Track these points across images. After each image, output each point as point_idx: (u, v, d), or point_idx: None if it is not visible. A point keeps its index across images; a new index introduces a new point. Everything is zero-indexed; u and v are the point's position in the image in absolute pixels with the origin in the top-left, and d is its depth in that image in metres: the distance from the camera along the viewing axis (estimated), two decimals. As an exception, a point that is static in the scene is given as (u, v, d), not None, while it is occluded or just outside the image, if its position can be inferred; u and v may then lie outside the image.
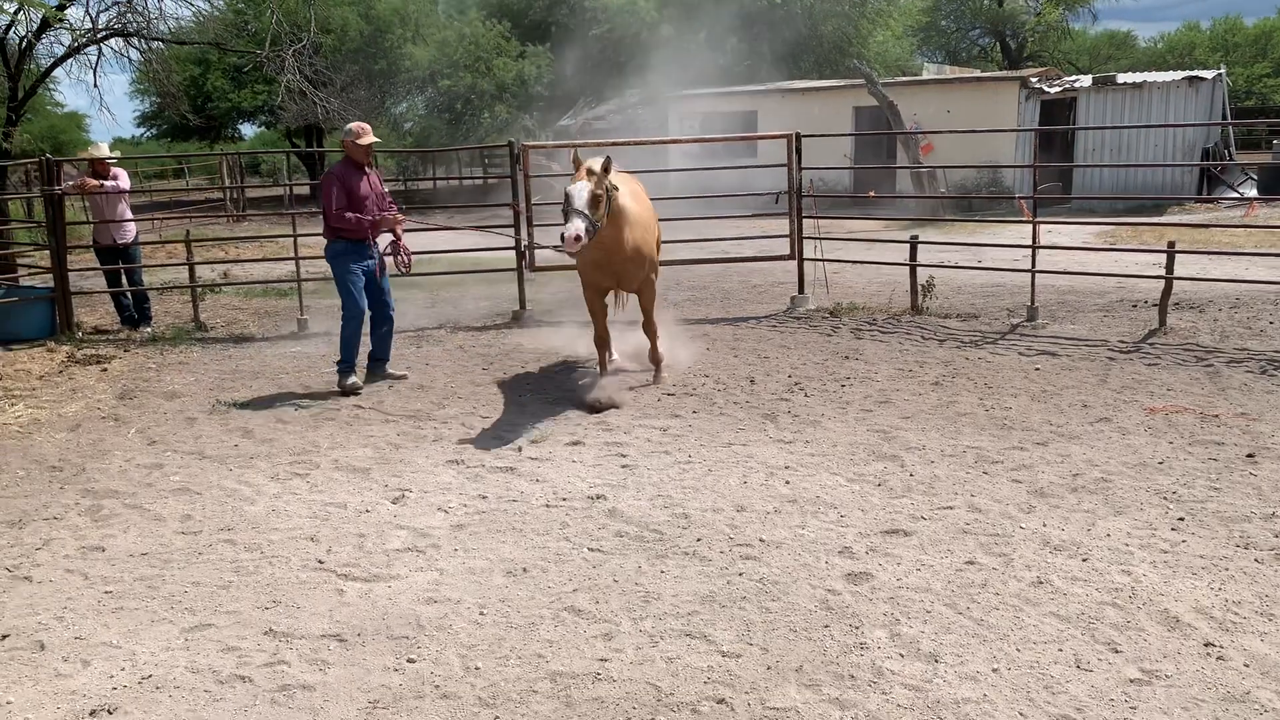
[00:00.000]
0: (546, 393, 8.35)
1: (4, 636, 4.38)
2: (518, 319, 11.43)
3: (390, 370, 9.01)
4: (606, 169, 7.46)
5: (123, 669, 4.07)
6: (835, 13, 31.03)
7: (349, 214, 8.32)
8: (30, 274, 12.85)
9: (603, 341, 8.49)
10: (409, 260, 8.75)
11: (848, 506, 5.58)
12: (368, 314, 8.66)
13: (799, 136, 11.54)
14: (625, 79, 34.04)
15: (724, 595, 4.53)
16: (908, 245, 11.40)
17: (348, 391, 8.46)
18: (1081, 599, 4.40)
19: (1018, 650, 3.99)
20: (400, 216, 8.76)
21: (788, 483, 5.98)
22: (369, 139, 8.54)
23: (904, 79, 27.47)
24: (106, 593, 4.81)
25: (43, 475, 6.64)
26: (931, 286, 11.13)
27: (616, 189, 7.58)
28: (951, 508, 5.51)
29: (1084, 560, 4.79)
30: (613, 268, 8.00)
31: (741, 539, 5.16)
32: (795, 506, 5.60)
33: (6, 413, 8.26)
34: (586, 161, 7.58)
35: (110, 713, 3.76)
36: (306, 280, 11.98)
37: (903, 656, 3.97)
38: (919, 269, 11.24)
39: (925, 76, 29.27)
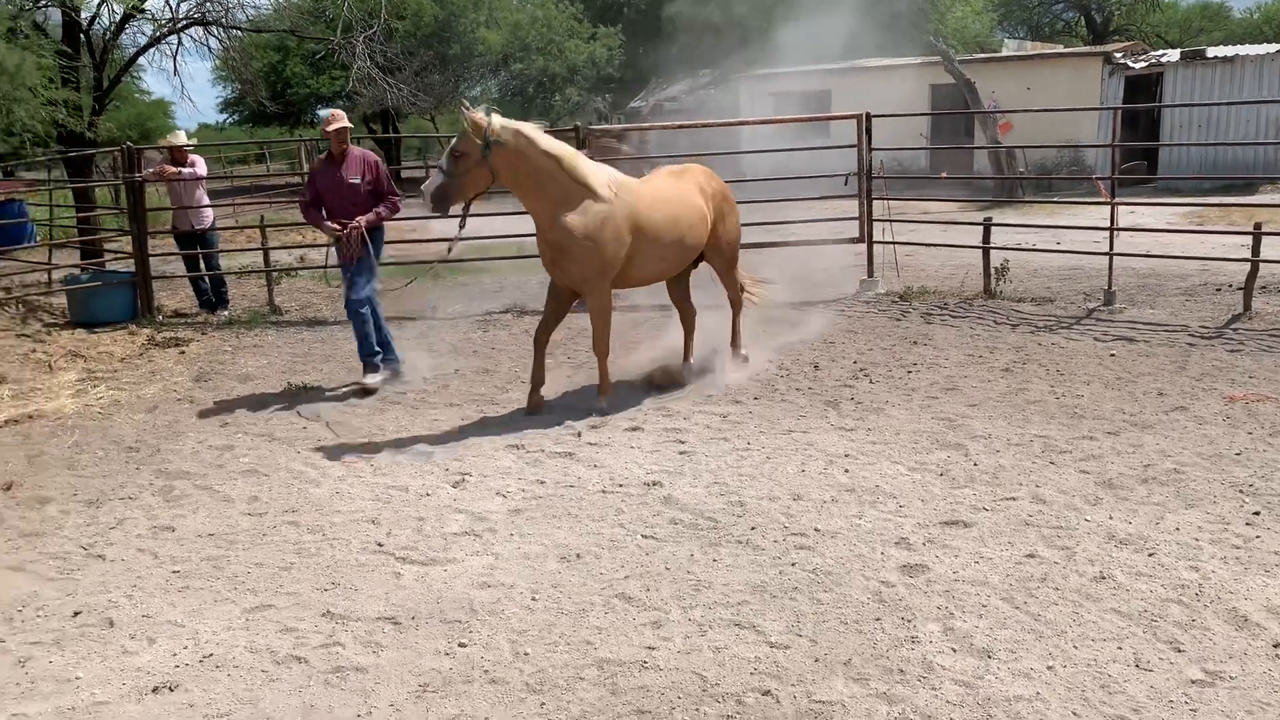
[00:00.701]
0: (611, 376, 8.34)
1: (76, 613, 4.55)
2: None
3: (365, 381, 8.25)
4: (478, 125, 6.64)
5: (185, 647, 4.19)
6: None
7: (310, 211, 8.24)
8: (114, 259, 13.26)
9: (538, 344, 7.46)
10: (356, 249, 8.05)
11: (907, 496, 5.49)
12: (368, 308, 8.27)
13: (869, 116, 11.35)
14: (697, 59, 33.82)
15: (775, 585, 4.50)
16: (981, 227, 11.16)
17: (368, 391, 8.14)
18: (1145, 595, 4.27)
19: (1075, 647, 3.89)
20: (361, 218, 8.03)
21: (847, 471, 5.91)
22: (336, 125, 8.14)
23: (982, 56, 26.86)
24: (174, 572, 4.95)
25: (120, 455, 6.86)
26: (1005, 269, 10.88)
27: (507, 143, 6.69)
28: (1014, 499, 5.39)
29: (1150, 555, 4.65)
30: (544, 247, 7.23)
31: (796, 528, 5.11)
32: (853, 496, 5.53)
33: (89, 394, 8.55)
34: (472, 112, 6.75)
35: (172, 690, 3.87)
36: (383, 264, 12.15)
37: (955, 651, 3.89)
38: (993, 251, 11.01)
39: (1005, 53, 28.58)
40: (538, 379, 7.48)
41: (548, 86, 29.52)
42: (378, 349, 8.36)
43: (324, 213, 8.19)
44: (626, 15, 33.38)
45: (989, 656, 3.85)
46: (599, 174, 7.14)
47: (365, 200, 8.16)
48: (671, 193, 7.50)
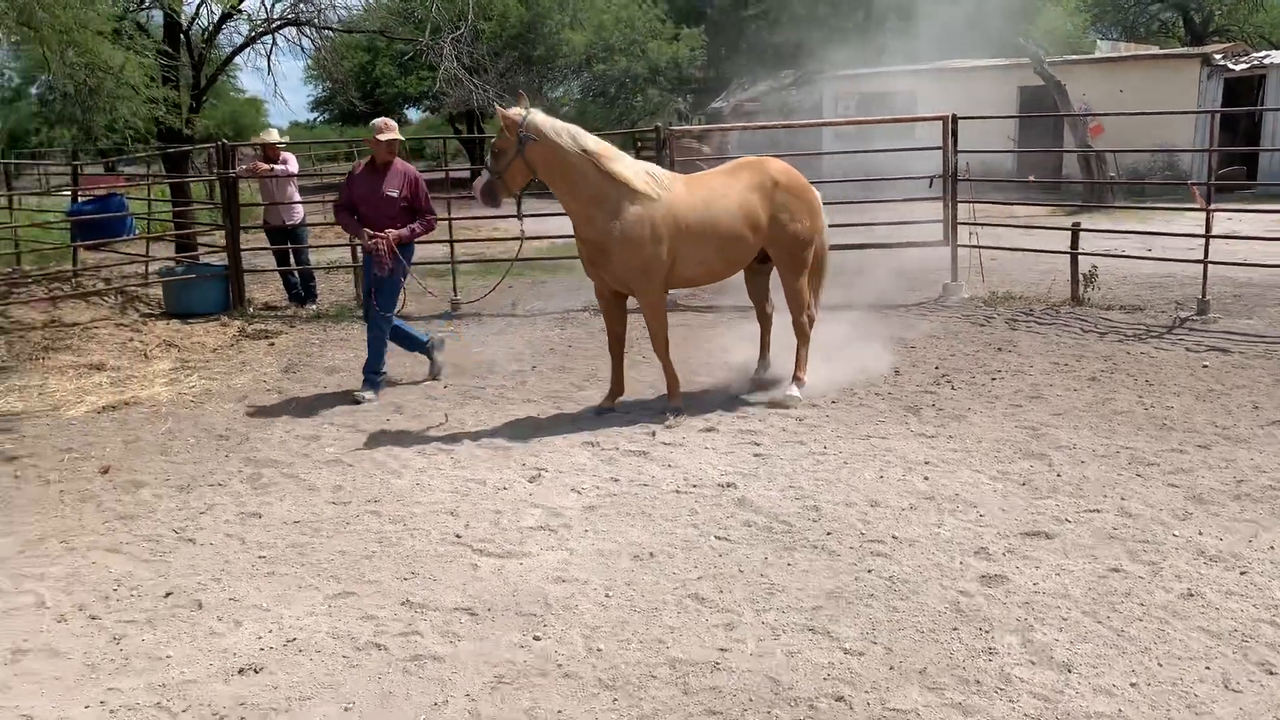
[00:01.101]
0: (683, 377, 8.36)
1: (167, 594, 4.71)
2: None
3: (358, 394, 8.08)
4: (510, 122, 6.74)
5: (270, 631, 4.32)
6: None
7: (343, 215, 8.08)
8: (207, 252, 13.67)
9: (613, 352, 7.50)
10: (389, 264, 7.84)
11: (988, 505, 5.40)
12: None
13: (955, 118, 11.18)
14: (779, 60, 33.64)
15: (851, 591, 4.46)
16: (1070, 232, 10.92)
17: (355, 400, 7.99)
18: (1235, 614, 4.14)
19: (1160, 665, 3.79)
20: (394, 231, 7.85)
21: (926, 478, 5.84)
22: (389, 135, 7.96)
23: (1073, 57, 26.22)
24: (260, 557, 5.10)
25: (211, 443, 7.08)
26: (1094, 276, 10.63)
27: (539, 140, 6.73)
28: (1099, 511, 5.27)
29: (1242, 573, 4.51)
30: (581, 246, 7.19)
31: (873, 535, 5.06)
32: (932, 504, 5.46)
33: (182, 383, 8.84)
34: (505, 109, 6.87)
35: (256, 672, 3.99)
36: (460, 262, 12.38)
37: (1033, 664, 3.82)
38: (1081, 257, 10.76)
39: (1097, 54, 27.87)
40: (617, 388, 7.53)
41: (629, 87, 29.66)
42: (384, 370, 8.25)
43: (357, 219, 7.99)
44: (709, 16, 33.38)
45: (1069, 671, 3.77)
46: (637, 172, 6.99)
47: (399, 215, 7.97)
48: (718, 190, 7.20)
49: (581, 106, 30.96)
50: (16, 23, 8.04)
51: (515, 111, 6.85)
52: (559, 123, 6.97)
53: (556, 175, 6.91)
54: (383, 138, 7.91)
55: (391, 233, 7.85)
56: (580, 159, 6.84)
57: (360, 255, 8.76)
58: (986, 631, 4.07)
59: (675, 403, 7.33)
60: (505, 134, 6.84)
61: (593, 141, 6.97)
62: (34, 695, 3.89)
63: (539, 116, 6.87)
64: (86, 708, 3.79)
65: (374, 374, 8.16)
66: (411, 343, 8.58)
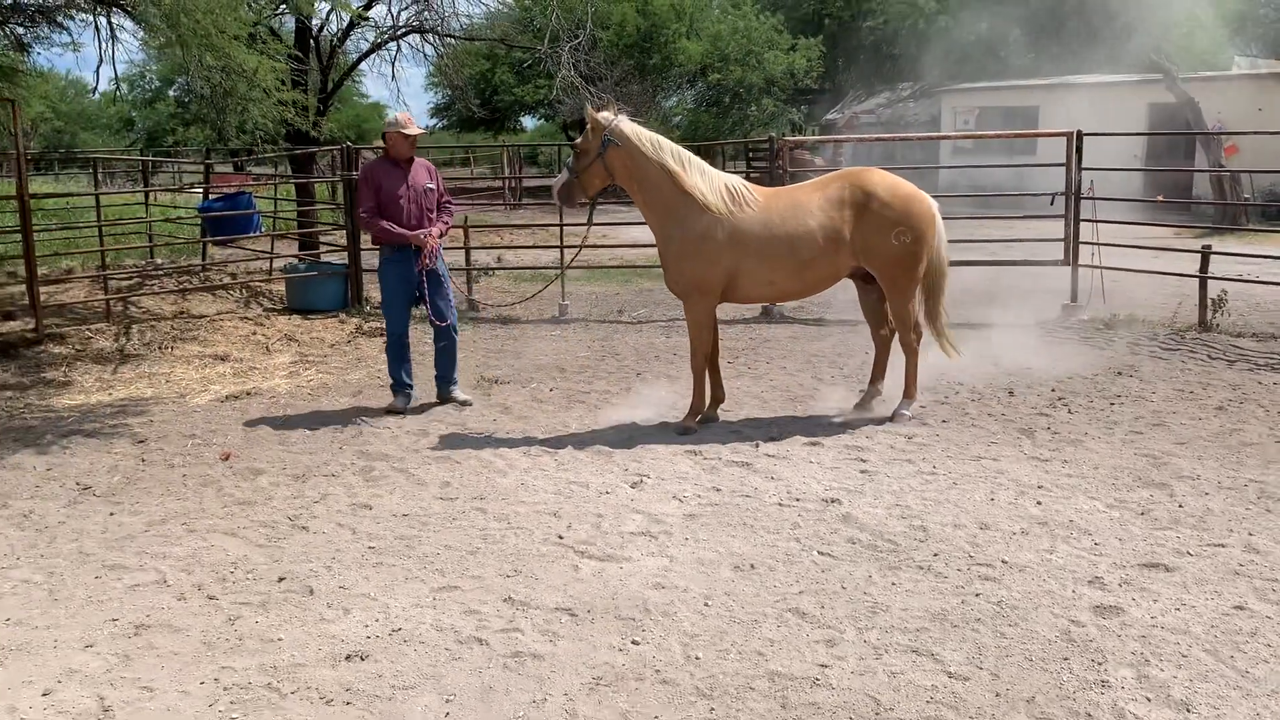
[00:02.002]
0: (789, 390, 8.30)
1: (281, 579, 4.87)
2: (767, 313, 11.43)
3: (456, 394, 8.03)
4: (597, 124, 6.85)
5: (377, 620, 4.43)
6: (1133, 3, 28.88)
7: (382, 222, 7.55)
8: (328, 251, 14.12)
9: (700, 370, 7.30)
10: (432, 258, 7.70)
11: (1104, 534, 5.21)
12: (429, 330, 7.98)
13: (1080, 135, 10.85)
14: (898, 72, 33.13)
15: (957, 615, 4.35)
16: (1199, 255, 10.49)
17: (390, 411, 7.80)
18: (1373, 663, 3.90)
19: (1288, 711, 3.60)
20: (439, 226, 7.77)
21: (1039, 503, 5.66)
22: (415, 130, 7.67)
23: (1208, 74, 25.20)
24: (370, 548, 5.23)
25: (326, 435, 7.30)
26: (1224, 301, 10.19)
27: (622, 145, 6.83)
28: (1224, 545, 5.03)
29: (1381, 619, 4.25)
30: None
31: (982, 558, 4.93)
32: (1045, 529, 5.29)
33: (300, 376, 9.15)
34: (598, 112, 6.97)
35: (363, 659, 4.09)
36: (571, 268, 12.54)
37: (1149, 700, 3.67)
38: (1210, 281, 10.32)
39: (1234, 71, 26.72)
40: (715, 395, 7.49)
41: (743, 97, 29.60)
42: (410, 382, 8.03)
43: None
44: (827, 27, 33.10)
45: (1187, 710, 3.61)
46: (714, 187, 6.94)
47: (434, 206, 7.81)
48: (799, 206, 6.99)
49: (694, 116, 31.05)
50: (166, 25, 8.42)
51: (603, 115, 6.97)
52: (644, 131, 7.04)
53: (633, 182, 7.02)
54: (409, 132, 7.63)
55: (436, 230, 7.72)
56: (657, 169, 6.91)
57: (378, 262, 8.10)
58: (1100, 663, 3.92)
59: (687, 421, 7.24)
60: (590, 135, 6.96)
61: (672, 154, 6.99)
62: (154, 669, 4.06)
63: (625, 122, 6.98)
64: (201, 684, 3.94)
65: (439, 381, 8.10)
66: (390, 368, 8.03)
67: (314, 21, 15.33)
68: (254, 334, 10.74)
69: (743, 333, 10.60)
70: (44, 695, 3.87)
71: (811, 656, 4.04)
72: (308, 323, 11.29)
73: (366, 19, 15.55)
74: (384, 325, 8.40)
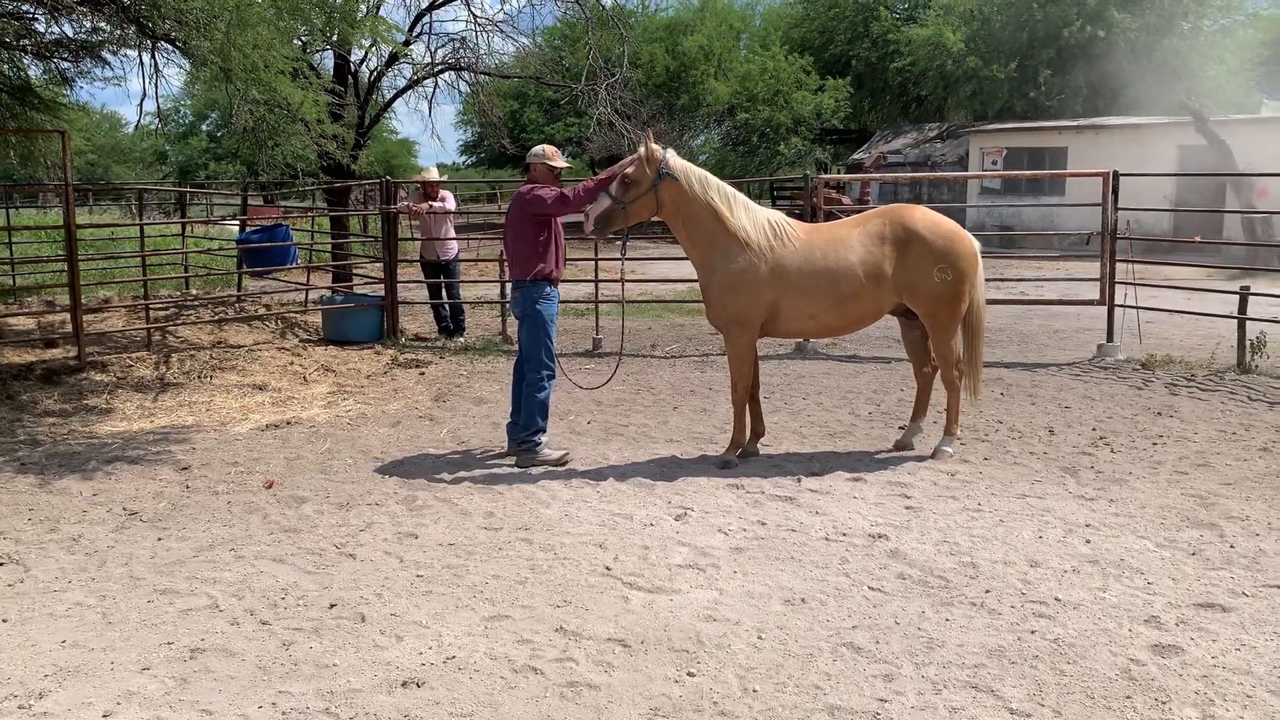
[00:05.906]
0: (827, 425, 8.29)
1: (332, 605, 4.88)
2: (800, 349, 11.44)
3: (548, 453, 7.41)
4: (649, 156, 6.93)
5: (430, 647, 4.43)
6: (1163, 46, 28.98)
7: (584, 185, 7.35)
8: (363, 283, 14.25)
9: (741, 403, 7.31)
10: None
11: (1156, 573, 5.16)
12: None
13: (1116, 175, 10.87)
14: (925, 112, 33.27)
15: (1014, 651, 4.32)
16: (1236, 296, 10.44)
17: (561, 462, 7.30)
18: None
19: (1359, 754, 3.55)
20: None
21: (1088, 541, 5.62)
22: (561, 163, 7.57)
23: (1238, 116, 25.20)
24: (418, 576, 5.24)
25: (367, 464, 7.34)
26: (1263, 344, 10.12)
27: (677, 180, 6.92)
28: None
29: None
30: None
31: (1035, 596, 4.89)
32: (1096, 567, 5.25)
33: (338, 406, 9.20)
34: (651, 143, 7.07)
35: (419, 686, 4.09)
36: (603, 302, 12.60)
37: (1217, 742, 3.63)
38: (1249, 323, 10.26)
39: (1264, 114, 26.71)
40: (755, 429, 7.51)
41: (770, 136, 29.80)
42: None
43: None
44: (854, 68, 33.33)
45: (1257, 752, 3.56)
46: (756, 223, 7.03)
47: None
48: (840, 242, 7.07)
49: (721, 155, 31.26)
50: (219, 59, 8.58)
51: (657, 147, 7.08)
52: (693, 167, 7.18)
53: (679, 217, 7.11)
54: (558, 164, 7.50)
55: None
56: (703, 204, 7.01)
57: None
58: (1164, 702, 3.88)
59: (728, 454, 7.27)
60: (645, 167, 7.01)
61: (718, 189, 7.09)
62: (212, 692, 4.07)
63: (675, 158, 7.11)
64: (260, 708, 3.94)
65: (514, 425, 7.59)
66: (546, 413, 7.49)
67: (353, 56, 15.58)
68: (291, 364, 10.83)
69: (776, 369, 10.60)
70: (104, 717, 3.89)
71: (870, 691, 4.01)
72: (344, 354, 11.37)
73: (407, 54, 15.79)
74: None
